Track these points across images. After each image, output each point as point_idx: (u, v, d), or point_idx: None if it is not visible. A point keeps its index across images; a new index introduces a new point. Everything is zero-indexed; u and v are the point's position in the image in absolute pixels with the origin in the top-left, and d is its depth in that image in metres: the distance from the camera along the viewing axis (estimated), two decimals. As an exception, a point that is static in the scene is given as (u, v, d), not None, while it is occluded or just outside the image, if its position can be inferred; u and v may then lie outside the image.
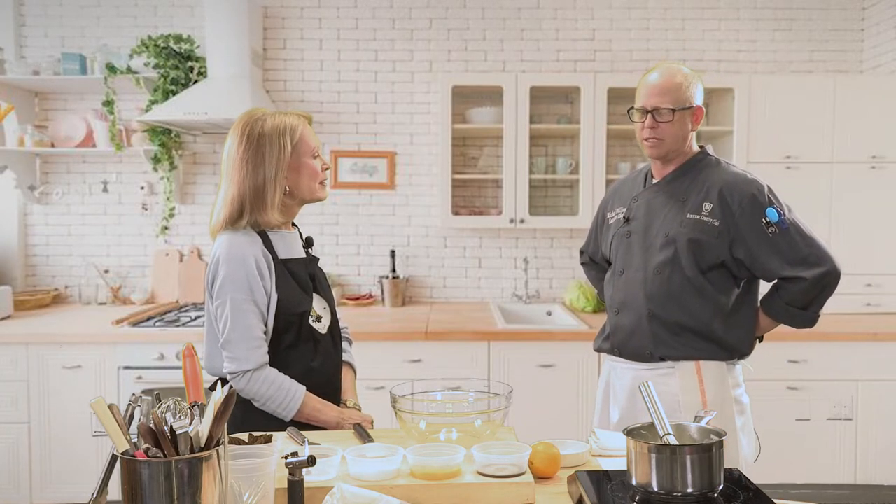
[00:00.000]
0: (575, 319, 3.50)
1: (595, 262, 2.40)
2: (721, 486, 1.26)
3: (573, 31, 3.97)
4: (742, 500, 1.24)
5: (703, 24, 3.98)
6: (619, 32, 3.97)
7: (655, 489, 1.24)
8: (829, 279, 1.92)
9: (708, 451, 1.24)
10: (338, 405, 1.91)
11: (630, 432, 1.32)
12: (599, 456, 1.60)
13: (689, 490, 1.23)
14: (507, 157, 3.67)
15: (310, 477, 1.28)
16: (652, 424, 1.34)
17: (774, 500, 1.25)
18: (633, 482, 1.28)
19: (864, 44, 3.97)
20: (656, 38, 3.98)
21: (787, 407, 3.30)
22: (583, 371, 3.25)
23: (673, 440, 1.30)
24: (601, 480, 1.36)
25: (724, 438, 1.27)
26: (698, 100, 2.01)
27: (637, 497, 1.27)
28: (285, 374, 1.80)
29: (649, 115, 1.98)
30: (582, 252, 2.47)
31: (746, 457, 2.03)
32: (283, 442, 1.55)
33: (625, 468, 1.33)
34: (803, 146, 3.61)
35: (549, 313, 3.84)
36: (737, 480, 1.33)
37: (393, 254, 3.95)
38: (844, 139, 3.61)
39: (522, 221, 3.69)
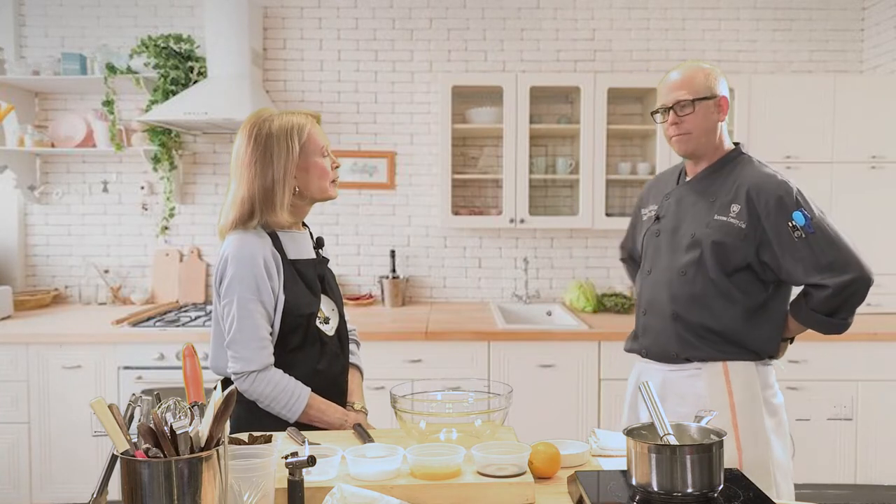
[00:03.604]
0: (575, 319, 3.50)
1: (633, 259, 2.35)
2: (721, 486, 1.26)
3: (573, 31, 3.97)
4: (742, 500, 1.24)
5: (703, 24, 3.98)
6: (619, 32, 3.97)
7: (655, 489, 1.24)
8: (855, 287, 1.83)
9: (708, 451, 1.24)
10: (343, 407, 1.90)
11: (630, 432, 1.32)
12: (599, 456, 1.60)
13: (689, 490, 1.23)
14: (507, 157, 3.67)
15: (310, 477, 1.28)
16: (652, 424, 1.34)
17: (774, 501, 1.25)
18: (633, 482, 1.28)
19: (864, 44, 3.97)
20: (656, 38, 3.98)
21: (787, 407, 3.27)
22: (583, 371, 3.25)
23: (673, 440, 1.30)
24: (601, 480, 1.36)
25: (723, 438, 1.27)
26: (722, 91, 1.97)
27: (637, 497, 1.27)
28: (290, 375, 1.80)
29: (671, 111, 1.96)
30: (622, 247, 2.43)
31: (779, 459, 1.96)
32: (283, 442, 1.55)
33: (625, 468, 1.33)
34: (803, 146, 3.61)
35: (549, 313, 3.84)
36: (737, 480, 1.33)
37: (393, 254, 3.95)
38: (844, 139, 3.61)
39: (522, 221, 3.69)
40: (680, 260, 1.97)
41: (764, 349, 1.95)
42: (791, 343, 2.05)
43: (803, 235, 1.84)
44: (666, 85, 1.99)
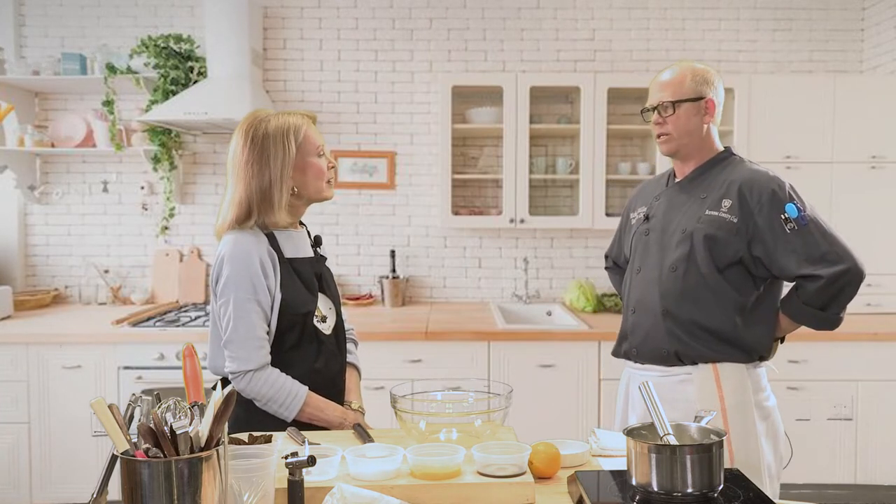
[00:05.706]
0: (575, 319, 3.50)
1: (619, 267, 2.34)
2: (721, 486, 1.26)
3: (573, 31, 3.97)
4: (742, 500, 1.24)
5: (703, 24, 3.98)
6: (619, 32, 3.97)
7: (655, 489, 1.24)
8: (848, 278, 1.82)
9: (708, 451, 1.24)
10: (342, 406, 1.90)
11: (630, 432, 1.32)
12: (599, 456, 1.60)
13: (689, 490, 1.23)
14: (507, 157, 3.67)
15: (310, 477, 1.28)
16: (652, 424, 1.34)
17: (774, 501, 1.25)
18: (633, 482, 1.28)
19: (864, 44, 3.97)
20: (656, 38, 3.98)
21: (787, 407, 3.27)
22: (583, 371, 3.25)
23: (673, 440, 1.30)
24: (601, 480, 1.36)
25: (723, 438, 1.27)
26: (711, 94, 1.97)
27: (637, 497, 1.27)
28: (287, 374, 1.80)
29: (656, 111, 1.99)
30: (606, 256, 2.43)
31: (770, 464, 1.94)
32: (283, 442, 1.55)
33: (625, 468, 1.33)
34: (803, 146, 3.61)
35: (549, 313, 3.84)
36: (737, 480, 1.33)
37: (393, 254, 3.95)
38: (844, 139, 3.61)
39: (522, 221, 3.69)
40: (670, 256, 1.96)
41: (756, 348, 1.93)
42: (782, 343, 2.04)
43: (796, 227, 1.85)
44: (654, 84, 2.02)
